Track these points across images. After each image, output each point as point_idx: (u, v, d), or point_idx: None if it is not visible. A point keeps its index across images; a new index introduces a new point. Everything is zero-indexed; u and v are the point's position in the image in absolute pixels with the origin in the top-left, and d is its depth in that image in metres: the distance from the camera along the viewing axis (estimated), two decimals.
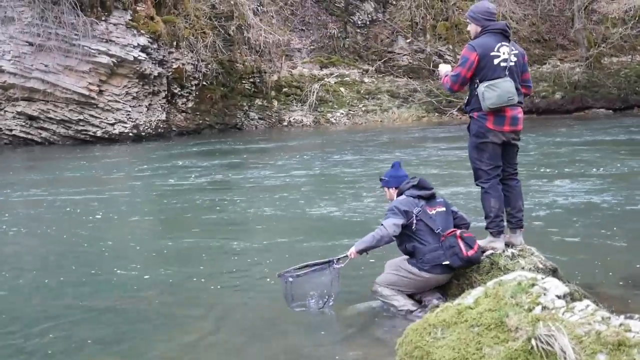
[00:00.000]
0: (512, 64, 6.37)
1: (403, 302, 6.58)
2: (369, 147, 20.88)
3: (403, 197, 6.67)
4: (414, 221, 6.45)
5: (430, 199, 6.67)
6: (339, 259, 6.70)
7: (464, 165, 14.43)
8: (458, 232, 6.45)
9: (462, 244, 6.31)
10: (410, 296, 6.70)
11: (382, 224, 6.51)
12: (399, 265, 6.64)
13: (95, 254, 9.36)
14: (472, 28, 6.60)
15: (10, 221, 11.90)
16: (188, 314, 6.87)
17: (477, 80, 6.35)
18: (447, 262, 6.33)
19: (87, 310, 7.11)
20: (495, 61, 6.31)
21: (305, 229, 10.28)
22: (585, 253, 8.45)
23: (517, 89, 6.37)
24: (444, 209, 6.68)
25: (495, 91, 6.23)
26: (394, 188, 6.84)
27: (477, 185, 6.69)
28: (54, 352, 6.03)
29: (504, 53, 6.34)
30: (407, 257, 6.62)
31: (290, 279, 6.64)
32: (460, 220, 6.78)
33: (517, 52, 6.46)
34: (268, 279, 7.78)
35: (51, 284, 8.06)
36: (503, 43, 6.38)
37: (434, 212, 6.57)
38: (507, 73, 6.32)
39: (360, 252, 6.57)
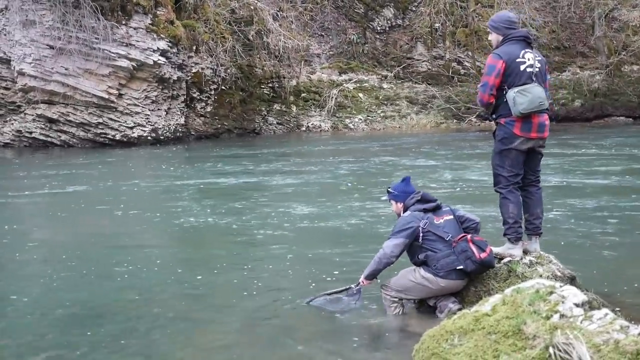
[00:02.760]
0: (537, 69, 6.39)
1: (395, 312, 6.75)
2: (391, 154, 20.86)
3: (408, 213, 6.75)
4: (421, 234, 6.51)
5: (435, 209, 6.72)
6: (357, 286, 6.86)
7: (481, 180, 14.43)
8: (469, 236, 6.49)
9: (474, 248, 6.35)
10: (423, 301, 6.75)
11: (383, 246, 6.63)
12: (414, 270, 6.66)
13: (114, 257, 9.38)
14: (494, 37, 6.63)
15: (31, 223, 11.97)
16: (204, 319, 6.87)
17: (506, 87, 6.36)
18: (461, 267, 6.35)
19: (104, 311, 7.13)
20: (522, 67, 6.34)
21: (321, 238, 10.24)
22: (603, 261, 8.41)
23: (545, 94, 6.40)
24: (451, 216, 6.72)
25: (527, 96, 6.24)
26: (401, 203, 6.89)
27: (495, 191, 6.70)
28: (62, 353, 6.07)
29: (528, 59, 6.37)
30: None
31: (328, 297, 7.01)
32: (468, 222, 6.80)
33: (540, 58, 6.50)
34: (285, 287, 7.79)
35: (68, 284, 8.09)
36: (526, 50, 6.42)
37: (441, 221, 6.63)
38: (533, 79, 6.34)
39: (368, 278, 6.76)
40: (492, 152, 6.69)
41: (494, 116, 6.61)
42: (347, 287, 6.94)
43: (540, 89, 6.32)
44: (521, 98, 6.25)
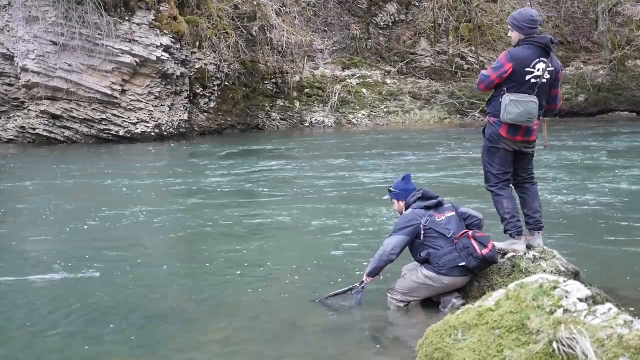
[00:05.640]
0: (544, 80, 6.33)
1: None
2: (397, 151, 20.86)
3: (409, 210, 6.79)
4: (422, 231, 6.53)
5: (437, 206, 6.73)
6: (360, 284, 6.84)
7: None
8: (470, 232, 6.50)
9: (475, 244, 6.36)
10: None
11: (383, 243, 6.68)
12: (416, 270, 6.67)
13: (112, 254, 9.39)
14: (514, 35, 6.47)
15: (35, 219, 11.98)
16: (207, 315, 6.88)
17: (505, 88, 6.33)
18: (463, 263, 6.37)
19: (104, 306, 7.15)
20: (527, 77, 6.27)
21: (322, 236, 10.22)
22: (607, 256, 8.41)
23: (540, 106, 6.36)
24: (453, 213, 6.74)
25: (518, 109, 6.22)
26: (402, 201, 6.91)
27: (487, 189, 6.73)
28: (66, 347, 6.10)
29: (538, 70, 6.28)
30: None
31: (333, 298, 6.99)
32: (471, 219, 6.83)
33: (552, 68, 6.39)
34: (289, 282, 7.80)
35: (67, 282, 8.10)
36: (542, 59, 6.30)
37: (443, 217, 6.65)
38: (535, 90, 6.29)
39: (370, 275, 6.78)
40: (482, 149, 6.72)
41: (487, 109, 6.62)
42: (351, 286, 6.95)
43: (535, 104, 6.26)
44: (512, 108, 6.23)
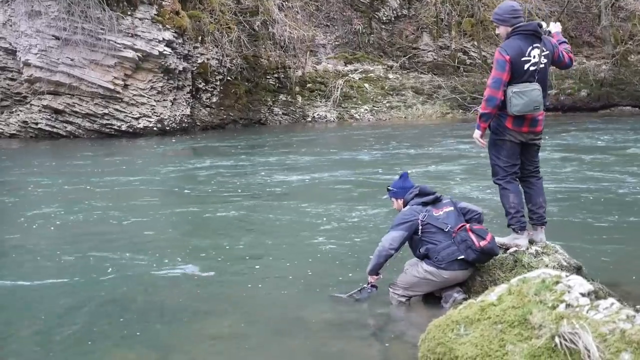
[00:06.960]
0: (542, 65, 6.36)
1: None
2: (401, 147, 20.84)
3: (407, 207, 6.83)
4: (420, 227, 6.56)
5: (435, 202, 6.76)
6: (368, 284, 6.86)
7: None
8: (467, 225, 6.53)
9: (473, 236, 6.40)
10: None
11: (381, 239, 6.70)
12: (417, 264, 6.70)
13: (117, 247, 9.39)
14: (502, 30, 6.52)
15: (38, 210, 11.98)
16: (211, 309, 6.89)
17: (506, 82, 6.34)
18: (461, 256, 6.40)
19: (108, 302, 7.16)
20: (525, 66, 6.30)
21: (323, 230, 10.21)
22: (609, 251, 8.40)
23: (544, 92, 6.37)
24: (451, 208, 6.78)
25: (523, 99, 6.24)
26: (401, 199, 6.95)
27: (494, 182, 6.74)
28: (72, 343, 6.12)
29: (534, 57, 6.31)
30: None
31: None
32: (470, 214, 6.87)
33: (547, 52, 6.42)
34: (291, 278, 7.80)
35: (73, 275, 8.11)
36: (535, 45, 6.34)
37: (441, 212, 6.69)
38: (536, 77, 6.30)
39: (371, 273, 6.81)
40: (488, 143, 6.72)
41: None
42: (361, 287, 6.96)
43: (539, 91, 6.29)
44: (517, 100, 6.25)
